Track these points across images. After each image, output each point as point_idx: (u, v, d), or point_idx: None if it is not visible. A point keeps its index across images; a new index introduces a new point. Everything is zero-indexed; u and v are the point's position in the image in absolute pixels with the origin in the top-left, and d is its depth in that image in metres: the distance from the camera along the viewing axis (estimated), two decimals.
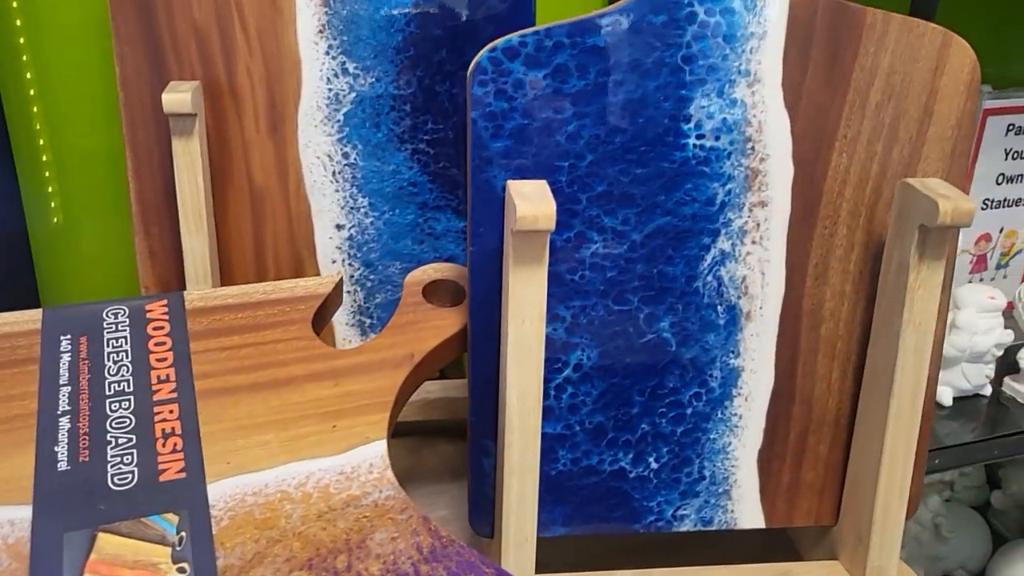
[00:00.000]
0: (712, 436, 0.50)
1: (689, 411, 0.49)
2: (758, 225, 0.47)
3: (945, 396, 0.70)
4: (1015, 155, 0.76)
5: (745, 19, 0.44)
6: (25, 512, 0.38)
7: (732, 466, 0.50)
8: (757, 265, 0.47)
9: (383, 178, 0.64)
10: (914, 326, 0.44)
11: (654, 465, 0.50)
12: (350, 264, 0.65)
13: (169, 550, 0.37)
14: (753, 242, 0.47)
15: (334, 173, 0.63)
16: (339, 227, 0.64)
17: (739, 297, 0.48)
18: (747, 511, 0.51)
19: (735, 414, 0.49)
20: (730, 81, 0.45)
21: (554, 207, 0.40)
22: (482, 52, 0.44)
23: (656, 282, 0.47)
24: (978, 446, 0.66)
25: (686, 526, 0.51)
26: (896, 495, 0.48)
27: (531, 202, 0.40)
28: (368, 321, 0.66)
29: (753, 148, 0.46)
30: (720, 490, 0.50)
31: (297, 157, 0.63)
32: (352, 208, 0.64)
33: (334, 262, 0.65)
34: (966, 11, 1.00)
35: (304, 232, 0.64)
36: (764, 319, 0.48)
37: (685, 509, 0.51)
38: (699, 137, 0.45)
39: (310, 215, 0.64)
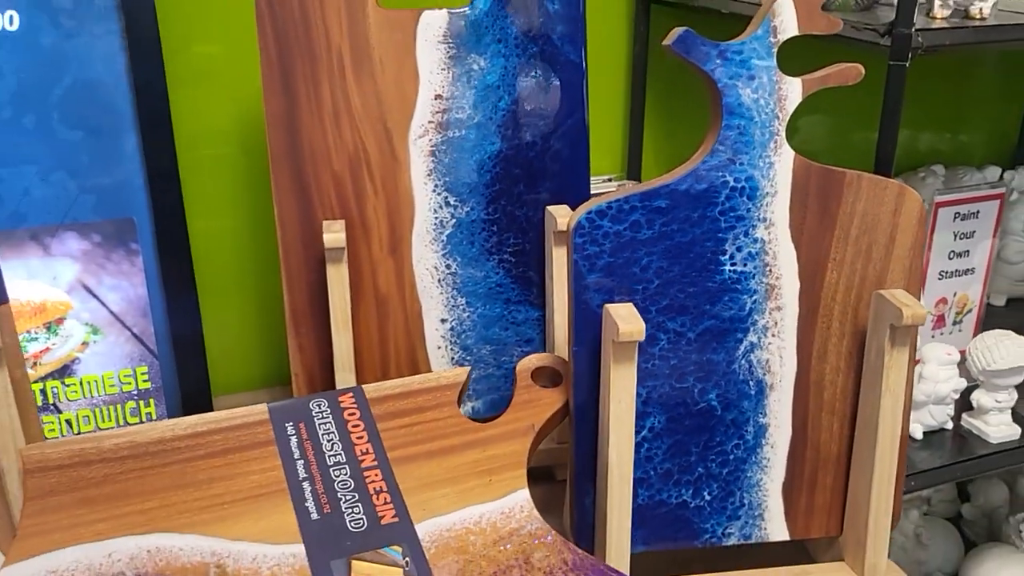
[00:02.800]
0: (748, 474, 0.68)
1: (731, 457, 0.68)
2: (776, 323, 0.66)
3: (916, 432, 0.89)
4: (961, 236, 0.96)
5: (762, 184, 0.64)
6: (300, 549, 0.56)
7: (764, 496, 0.69)
8: (776, 351, 0.66)
9: (476, 282, 0.82)
10: (890, 392, 0.64)
11: (707, 497, 0.68)
12: (451, 349, 0.84)
13: (401, 571, 0.56)
14: (773, 335, 0.66)
15: (439, 280, 0.82)
16: (443, 321, 0.83)
17: (764, 374, 0.67)
18: (776, 528, 0.69)
19: (765, 457, 0.68)
20: (753, 225, 0.64)
21: (643, 325, 0.59)
22: (580, 213, 0.63)
23: (705, 366, 0.66)
24: (945, 470, 0.85)
25: (732, 541, 0.69)
26: (883, 511, 0.66)
27: (627, 322, 0.59)
28: (468, 391, 0.84)
29: (770, 270, 0.65)
30: (756, 513, 0.69)
31: (412, 270, 0.81)
32: (453, 306, 0.83)
33: (439, 348, 0.83)
34: (924, 104, 1.21)
35: (416, 326, 0.82)
36: (782, 389, 0.67)
37: (731, 529, 0.69)
38: (732, 264, 0.65)
39: (421, 313, 0.82)
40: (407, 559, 0.56)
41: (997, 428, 0.89)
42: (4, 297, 0.63)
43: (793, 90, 0.63)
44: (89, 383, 0.80)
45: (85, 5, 0.71)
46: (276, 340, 0.88)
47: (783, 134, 0.63)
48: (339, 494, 0.60)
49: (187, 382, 0.83)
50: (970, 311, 1.01)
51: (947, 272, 0.98)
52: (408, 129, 0.78)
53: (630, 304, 0.62)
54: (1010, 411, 0.90)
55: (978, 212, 0.96)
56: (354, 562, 0.56)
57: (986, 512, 1.35)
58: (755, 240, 0.64)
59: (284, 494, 0.60)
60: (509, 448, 0.64)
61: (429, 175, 0.80)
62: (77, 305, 0.78)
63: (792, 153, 0.64)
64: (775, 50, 0.62)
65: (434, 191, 0.80)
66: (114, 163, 0.76)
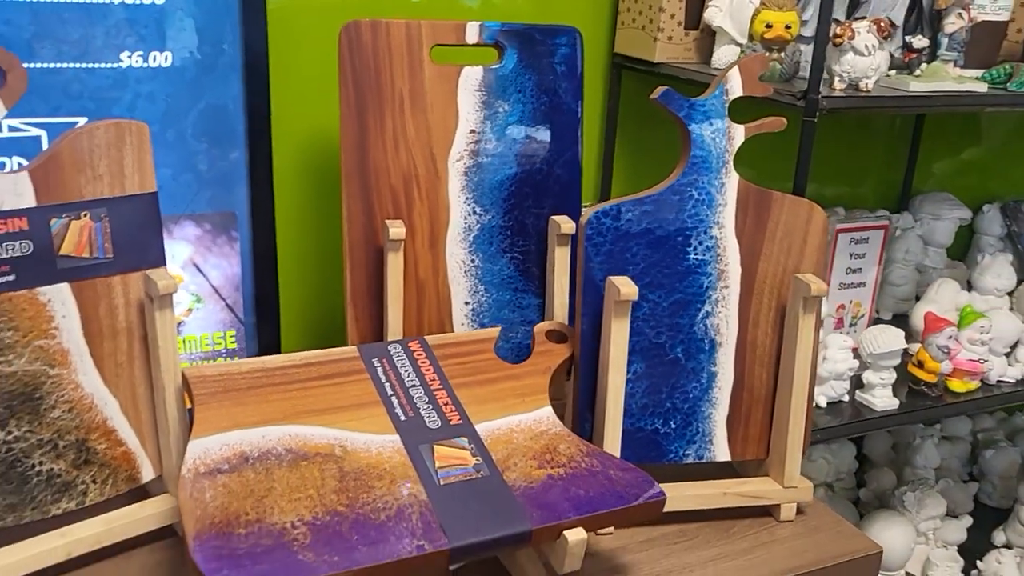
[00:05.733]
0: (702, 409, 0.94)
1: (691, 396, 0.93)
2: (724, 298, 0.92)
3: (822, 401, 1.16)
4: (855, 256, 1.25)
5: (717, 197, 0.90)
6: (396, 438, 0.79)
7: (712, 426, 0.94)
8: (724, 318, 0.92)
9: (493, 274, 1.07)
10: (802, 345, 0.90)
11: (672, 426, 0.93)
12: (472, 326, 1.07)
13: (469, 452, 0.79)
14: (722, 306, 0.92)
15: (465, 271, 1.06)
16: (466, 303, 1.07)
17: (715, 335, 0.93)
18: (721, 451, 0.95)
19: (714, 397, 0.94)
20: (710, 226, 0.91)
21: (637, 289, 0.85)
22: (588, 213, 0.88)
23: (674, 327, 0.91)
24: (843, 427, 1.13)
25: (689, 460, 0.94)
26: (798, 436, 0.93)
27: (625, 286, 0.85)
28: None
29: (721, 259, 0.91)
30: (707, 439, 0.94)
31: (445, 262, 1.05)
32: (475, 292, 1.07)
33: (463, 324, 1.07)
34: (829, 162, 1.51)
35: (446, 307, 1.06)
36: (728, 346, 0.93)
37: (688, 451, 0.94)
38: (695, 254, 0.91)
39: (450, 296, 1.06)
40: (472, 446, 0.80)
41: (881, 399, 1.17)
42: (163, 261, 0.85)
43: (739, 133, 0.90)
44: (190, 342, 1.01)
45: (218, 49, 0.95)
46: (335, 314, 1.11)
47: (731, 163, 0.90)
48: (417, 404, 0.83)
49: (263, 345, 1.05)
50: (863, 316, 1.29)
51: (845, 284, 1.26)
52: (448, 154, 1.03)
53: (625, 276, 0.88)
54: (891, 387, 1.18)
55: (868, 238, 1.26)
56: (435, 446, 0.79)
57: (878, 495, 1.63)
58: (711, 237, 0.91)
59: (379, 404, 0.83)
60: (534, 381, 0.89)
61: (462, 190, 1.04)
62: (187, 279, 1.00)
63: (737, 177, 0.91)
64: (727, 105, 0.89)
65: (465, 202, 1.05)
66: (226, 168, 0.99)
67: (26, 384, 0.79)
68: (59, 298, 0.80)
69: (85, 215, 0.80)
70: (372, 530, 0.71)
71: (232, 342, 1.03)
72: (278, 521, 0.70)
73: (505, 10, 1.25)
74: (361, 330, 1.04)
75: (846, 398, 1.18)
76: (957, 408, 1.26)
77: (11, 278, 0.77)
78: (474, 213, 1.05)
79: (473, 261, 1.06)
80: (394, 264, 1.00)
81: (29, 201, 0.77)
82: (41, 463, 0.81)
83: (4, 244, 0.76)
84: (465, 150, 1.04)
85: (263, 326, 1.05)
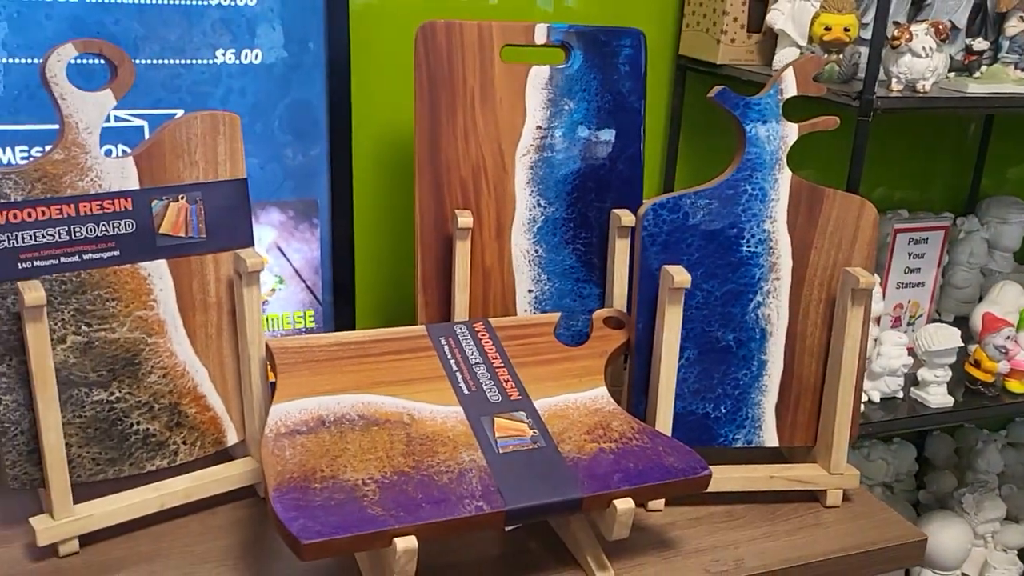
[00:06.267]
0: (752, 396, 0.98)
1: (741, 383, 0.97)
2: (775, 289, 0.96)
3: (875, 396, 1.18)
4: (914, 256, 1.27)
5: (770, 193, 0.94)
6: (459, 409, 0.85)
7: (762, 412, 0.98)
8: (775, 308, 0.96)
9: (555, 264, 1.12)
10: (851, 337, 0.93)
11: (723, 411, 0.97)
12: (533, 312, 1.13)
13: (527, 424, 0.85)
14: (773, 297, 0.96)
15: (529, 260, 1.12)
16: (530, 291, 1.12)
17: (766, 324, 0.96)
18: (769, 437, 0.98)
19: (764, 384, 0.97)
20: (762, 220, 0.95)
21: (690, 277, 0.89)
22: (647, 206, 0.93)
23: (726, 316, 0.96)
24: (896, 421, 1.15)
25: (738, 444, 0.98)
26: (845, 424, 0.96)
27: (679, 274, 0.89)
28: None
29: (773, 252, 0.95)
30: (756, 425, 0.98)
31: (510, 252, 1.11)
32: (537, 280, 1.12)
33: (525, 311, 1.13)
34: (894, 165, 1.52)
35: (510, 294, 1.12)
36: (778, 335, 0.97)
37: (738, 435, 0.98)
38: (748, 246, 0.95)
39: (514, 284, 1.12)
40: (529, 419, 0.86)
41: (935, 397, 1.19)
42: (251, 242, 0.92)
43: (792, 131, 0.94)
44: (273, 320, 1.09)
45: (304, 48, 1.02)
46: (407, 298, 1.17)
47: (784, 160, 0.94)
48: (480, 380, 0.89)
49: (340, 325, 1.12)
50: (920, 316, 1.31)
51: (903, 283, 1.28)
52: (516, 149, 1.09)
53: (679, 266, 0.92)
54: (946, 385, 1.20)
55: (927, 239, 1.27)
56: (496, 418, 0.85)
57: (938, 497, 1.64)
58: (763, 231, 0.95)
59: (444, 379, 0.89)
60: (591, 363, 0.94)
61: (528, 183, 1.10)
62: (271, 261, 1.07)
63: (790, 173, 0.94)
64: (781, 104, 0.93)
65: (530, 195, 1.10)
66: (309, 159, 1.06)
67: (127, 350, 0.87)
68: (157, 273, 0.88)
69: (182, 198, 0.88)
70: (435, 490, 0.77)
71: (311, 321, 1.11)
72: (350, 478, 0.77)
73: (574, 13, 1.30)
74: (430, 314, 1.10)
75: (900, 395, 1.20)
76: (1015, 408, 1.26)
77: (116, 253, 0.85)
78: (539, 205, 1.11)
79: (537, 251, 1.11)
80: (462, 252, 1.06)
81: (133, 184, 0.86)
82: (138, 423, 0.89)
83: (111, 222, 0.85)
84: (532, 145, 1.09)
85: (340, 307, 1.12)
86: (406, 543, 0.72)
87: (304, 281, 1.09)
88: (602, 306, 1.14)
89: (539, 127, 1.09)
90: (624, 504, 0.79)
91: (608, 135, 1.11)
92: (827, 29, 1.07)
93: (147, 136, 0.99)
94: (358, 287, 1.14)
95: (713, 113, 1.37)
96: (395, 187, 1.22)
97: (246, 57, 1.01)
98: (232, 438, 0.94)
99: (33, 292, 0.78)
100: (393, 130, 1.21)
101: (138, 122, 0.98)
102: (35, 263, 0.81)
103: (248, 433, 0.94)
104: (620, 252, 1.10)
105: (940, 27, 1.03)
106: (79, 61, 0.80)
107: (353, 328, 1.14)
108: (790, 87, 0.93)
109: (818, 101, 0.99)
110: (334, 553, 0.73)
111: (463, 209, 1.08)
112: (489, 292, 1.11)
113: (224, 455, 0.95)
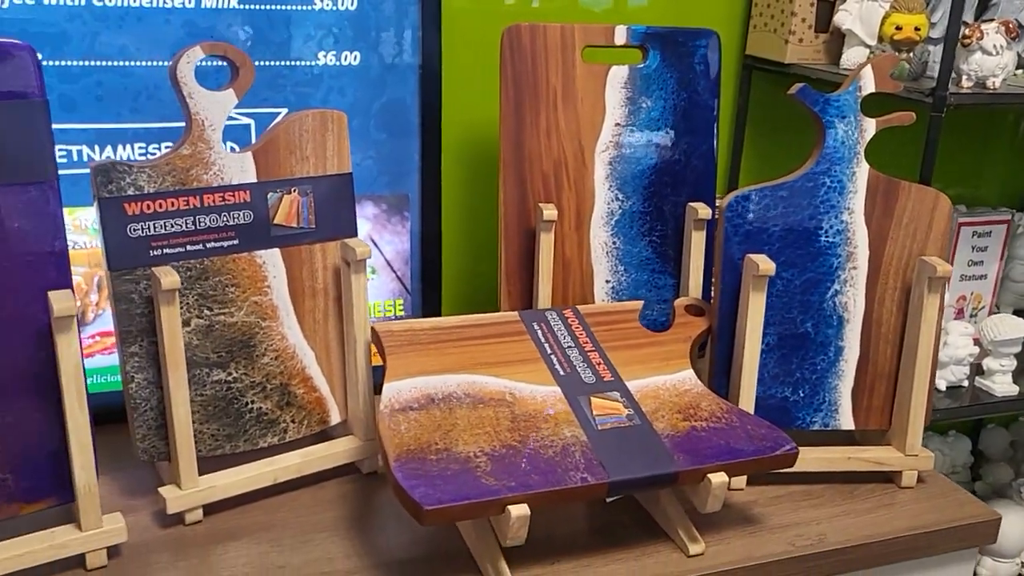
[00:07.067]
0: (829, 381, 1.02)
1: (818, 368, 1.01)
2: (852, 278, 1.00)
3: (941, 384, 1.22)
4: (976, 249, 1.30)
5: (848, 185, 0.98)
6: (557, 389, 0.90)
7: (838, 396, 1.02)
8: (852, 296, 1.00)
9: (632, 256, 1.17)
10: (927, 323, 0.97)
11: (801, 395, 1.02)
12: (611, 302, 1.18)
13: (621, 404, 0.90)
14: (850, 285, 1.00)
15: (607, 252, 1.16)
16: (607, 281, 1.17)
17: (843, 312, 1.01)
18: (845, 420, 1.03)
19: (841, 370, 1.02)
20: (840, 212, 0.99)
21: (774, 265, 0.93)
22: (729, 197, 0.97)
23: (805, 304, 1.00)
24: (962, 409, 1.18)
25: (815, 427, 1.02)
26: (920, 407, 1.00)
27: (764, 263, 0.94)
28: None
29: (850, 242, 0.99)
30: (832, 409, 1.02)
31: (589, 244, 1.16)
32: (615, 271, 1.17)
33: (603, 301, 1.18)
34: (952, 163, 1.55)
35: (589, 285, 1.17)
36: (855, 322, 1.01)
37: (815, 418, 1.02)
38: (826, 237, 0.99)
39: (592, 275, 1.17)
40: (623, 399, 0.90)
41: (1001, 386, 1.23)
42: (355, 232, 0.98)
43: (870, 126, 0.98)
44: None
45: (399, 51, 1.08)
46: (490, 287, 1.22)
47: (862, 154, 0.98)
48: (573, 362, 0.94)
49: (426, 314, 1.18)
50: (983, 308, 1.34)
51: (966, 276, 1.32)
52: (595, 145, 1.14)
53: (763, 255, 0.97)
54: (1011, 373, 1.23)
55: (990, 232, 1.31)
56: (592, 398, 0.90)
57: (995, 489, 1.67)
58: (841, 222, 0.99)
59: (540, 361, 0.94)
60: (676, 347, 0.98)
61: (607, 178, 1.15)
62: None
63: (867, 166, 0.99)
64: (860, 101, 0.98)
65: (609, 189, 1.15)
66: (402, 156, 1.12)
67: (243, 333, 0.93)
68: (271, 261, 0.94)
69: (294, 191, 0.94)
70: (542, 463, 0.82)
71: (400, 310, 1.16)
72: (463, 451, 0.82)
73: (646, 14, 1.35)
74: (512, 303, 1.15)
75: (965, 383, 1.23)
76: None
77: (236, 242, 0.91)
78: (617, 199, 1.15)
79: (615, 243, 1.16)
80: (546, 243, 1.11)
81: (251, 177, 0.91)
82: (252, 402, 0.95)
83: (231, 213, 0.91)
84: (611, 141, 1.14)
85: (427, 296, 1.17)
86: (519, 510, 0.77)
87: (395, 271, 1.15)
88: (676, 296, 1.18)
89: (618, 124, 1.14)
90: (718, 478, 0.84)
91: (683, 131, 1.16)
92: (898, 28, 1.12)
93: (252, 133, 1.05)
94: (444, 277, 1.20)
95: (776, 112, 1.43)
96: (478, 183, 1.27)
97: (345, 59, 1.07)
98: (335, 418, 1.00)
99: (169, 277, 0.84)
100: (477, 128, 1.26)
101: (245, 120, 1.04)
102: (164, 251, 0.87)
103: (351, 412, 1.00)
104: (696, 244, 1.14)
105: (1010, 26, 1.07)
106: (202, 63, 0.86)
107: (439, 316, 1.19)
108: (868, 84, 0.97)
109: (891, 98, 1.03)
110: (451, 519, 0.79)
111: (546, 202, 1.13)
112: (569, 282, 1.16)
113: (321, 435, 1.00)
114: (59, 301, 0.77)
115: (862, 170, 0.99)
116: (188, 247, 0.89)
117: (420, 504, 0.75)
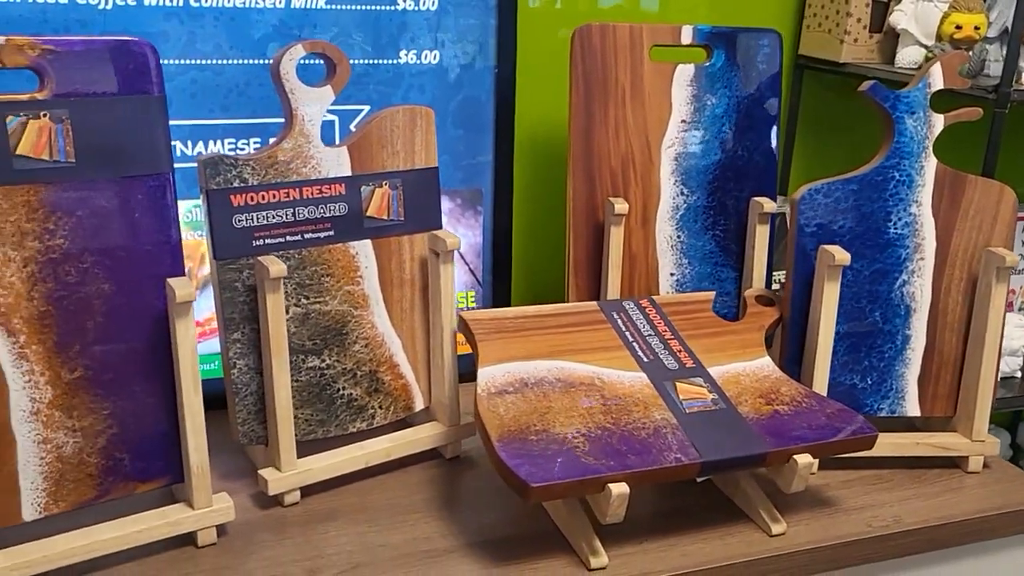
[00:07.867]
0: (896, 369, 1.05)
1: (886, 356, 1.05)
2: (920, 268, 1.03)
3: None
4: None
5: (916, 179, 1.02)
6: (642, 375, 0.94)
7: (905, 384, 1.05)
8: (919, 287, 1.04)
9: (696, 249, 1.20)
10: (994, 311, 1.01)
11: (869, 382, 1.05)
12: (674, 294, 1.21)
13: (706, 389, 0.93)
14: (917, 276, 1.03)
15: (672, 246, 1.20)
16: (671, 274, 1.20)
17: (911, 302, 1.04)
18: (912, 407, 1.06)
19: (908, 358, 1.05)
20: (909, 204, 1.02)
21: (848, 255, 0.97)
22: (802, 190, 1.01)
23: (873, 294, 1.03)
24: (1014, 400, 1.22)
25: (883, 413, 1.05)
26: (987, 394, 1.03)
27: (839, 253, 0.97)
28: None
29: (918, 234, 1.03)
30: (899, 396, 1.05)
31: (655, 237, 1.19)
32: (679, 264, 1.20)
33: (667, 293, 1.21)
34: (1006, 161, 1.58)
35: (654, 277, 1.20)
36: (921, 312, 1.04)
37: (882, 405, 1.05)
38: (895, 229, 1.02)
39: (658, 268, 1.20)
40: (707, 384, 0.94)
41: None
42: (441, 224, 1.01)
43: (938, 121, 1.01)
44: None
45: (477, 50, 1.12)
46: (558, 280, 1.26)
47: (930, 148, 1.02)
48: (655, 349, 0.97)
49: (497, 304, 1.21)
50: None
51: (1017, 270, 1.35)
52: (662, 141, 1.17)
53: (837, 245, 1.00)
54: None
55: None
56: (677, 383, 0.93)
57: None
58: (910, 214, 1.02)
59: (623, 348, 0.97)
60: (751, 336, 1.02)
61: (672, 173, 1.18)
62: None
63: (935, 160, 1.02)
64: (929, 97, 1.01)
65: (674, 184, 1.19)
66: (476, 152, 1.15)
67: (337, 321, 0.96)
68: (363, 251, 0.97)
69: (385, 184, 0.97)
70: (636, 443, 0.85)
71: (472, 301, 1.20)
72: (560, 432, 0.85)
73: (702, 13, 1.38)
74: (580, 295, 1.19)
75: (1019, 374, 1.26)
76: None
77: (331, 233, 0.95)
78: (682, 194, 1.19)
79: (679, 237, 1.19)
80: (616, 236, 1.14)
81: (346, 171, 0.95)
82: (344, 388, 0.98)
83: (328, 205, 0.94)
84: (676, 138, 1.17)
85: (498, 288, 1.21)
86: (619, 488, 0.80)
87: (467, 264, 1.18)
88: (739, 290, 1.22)
89: (683, 121, 1.17)
90: (804, 459, 0.87)
91: (746, 128, 1.19)
92: (958, 28, 1.15)
93: (336, 129, 1.09)
94: (514, 270, 1.23)
95: (828, 111, 1.46)
96: (547, 178, 1.31)
97: (425, 58, 1.10)
98: (419, 404, 1.03)
99: (276, 265, 0.87)
100: (546, 125, 1.29)
101: (330, 117, 1.07)
102: (266, 241, 0.91)
103: (435, 399, 1.03)
104: (760, 237, 1.18)
105: None
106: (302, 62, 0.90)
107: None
108: (937, 81, 1.00)
109: (954, 95, 1.06)
110: (555, 496, 0.82)
111: (614, 197, 1.16)
112: (635, 275, 1.19)
113: (401, 422, 1.04)
114: (180, 287, 0.80)
115: (930, 164, 1.02)
116: (288, 237, 0.92)
117: (526, 482, 0.79)
